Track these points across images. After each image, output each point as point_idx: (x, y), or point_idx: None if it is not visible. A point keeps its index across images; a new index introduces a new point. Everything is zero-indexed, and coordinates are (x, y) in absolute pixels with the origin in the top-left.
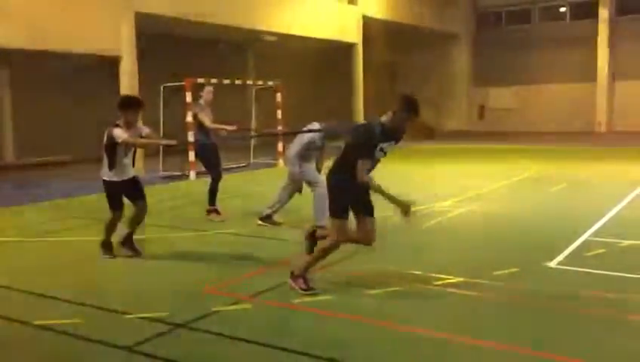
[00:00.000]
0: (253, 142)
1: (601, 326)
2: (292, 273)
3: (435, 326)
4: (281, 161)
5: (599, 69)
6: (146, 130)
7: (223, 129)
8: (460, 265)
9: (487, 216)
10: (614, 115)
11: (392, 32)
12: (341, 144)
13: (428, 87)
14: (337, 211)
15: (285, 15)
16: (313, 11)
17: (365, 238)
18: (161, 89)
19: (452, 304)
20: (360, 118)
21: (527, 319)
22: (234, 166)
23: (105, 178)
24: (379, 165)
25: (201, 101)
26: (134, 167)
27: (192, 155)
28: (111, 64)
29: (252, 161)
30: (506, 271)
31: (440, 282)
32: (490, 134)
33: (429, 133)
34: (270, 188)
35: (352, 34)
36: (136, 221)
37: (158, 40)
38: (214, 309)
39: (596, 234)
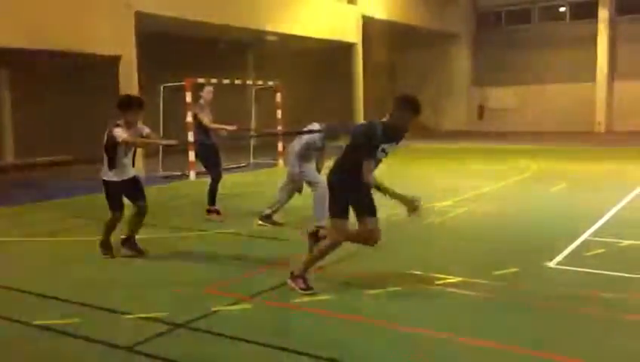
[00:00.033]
0: (253, 142)
1: (601, 326)
2: (292, 273)
3: (435, 326)
4: (281, 161)
5: (599, 68)
6: (146, 130)
7: (223, 129)
8: (460, 265)
9: (486, 216)
10: (614, 115)
11: (392, 32)
12: (341, 144)
13: (427, 87)
14: (337, 211)
15: (285, 15)
16: (313, 11)
17: (370, 238)
18: (161, 89)
19: (452, 304)
20: (360, 117)
21: (527, 319)
22: (234, 166)
23: (105, 178)
24: (380, 165)
25: (201, 101)
26: (134, 167)
27: (191, 155)
28: (111, 64)
29: (252, 161)
30: (506, 271)
31: (440, 282)
32: (489, 134)
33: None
34: (270, 188)
35: (352, 34)
36: (138, 222)
37: (158, 40)
38: (214, 309)
39: (596, 234)
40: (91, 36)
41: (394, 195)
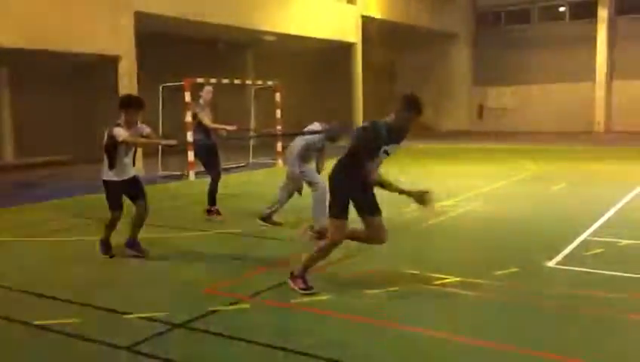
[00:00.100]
0: (252, 141)
1: (601, 326)
2: (292, 273)
3: (435, 326)
4: (280, 161)
5: (598, 68)
6: (146, 130)
7: (223, 129)
8: (460, 264)
9: (486, 215)
10: (613, 114)
11: (391, 32)
12: (342, 145)
13: (427, 87)
14: (337, 212)
15: (284, 15)
16: (312, 11)
17: (377, 237)
18: (161, 89)
19: (452, 304)
20: (359, 117)
21: (526, 319)
22: (233, 166)
23: (105, 178)
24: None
25: (201, 101)
26: (134, 167)
27: (191, 155)
28: (110, 64)
29: (251, 160)
30: (506, 271)
31: (440, 282)
32: (489, 134)
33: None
34: (270, 188)
35: (351, 34)
36: (139, 222)
37: (158, 40)
38: (214, 309)
39: (595, 233)
40: (91, 36)
41: (401, 191)
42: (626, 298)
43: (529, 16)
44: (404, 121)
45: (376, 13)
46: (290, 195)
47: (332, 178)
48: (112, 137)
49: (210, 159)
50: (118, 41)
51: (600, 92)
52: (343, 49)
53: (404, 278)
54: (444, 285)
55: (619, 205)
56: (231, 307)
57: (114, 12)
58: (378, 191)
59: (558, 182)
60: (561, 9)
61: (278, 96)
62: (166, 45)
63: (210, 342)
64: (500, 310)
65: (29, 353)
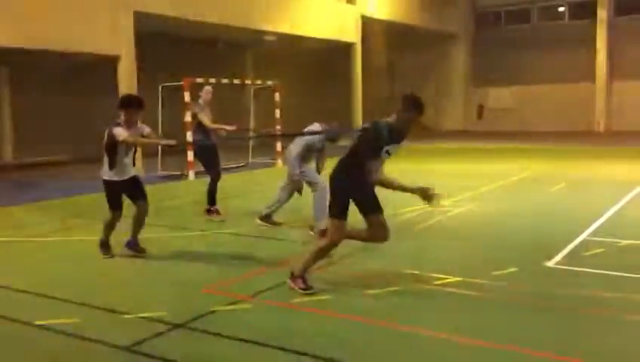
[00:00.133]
0: (251, 141)
1: (601, 326)
2: (291, 273)
3: (435, 326)
4: (279, 161)
5: (598, 68)
6: (146, 130)
7: (222, 129)
8: (460, 264)
9: (485, 215)
10: (612, 114)
11: (391, 32)
12: (343, 145)
13: (427, 87)
14: (336, 212)
15: (284, 15)
16: (312, 11)
17: (379, 235)
18: (160, 89)
19: (452, 304)
20: (359, 117)
21: (526, 319)
22: (233, 166)
23: (105, 177)
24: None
25: (200, 101)
26: (134, 167)
27: (190, 155)
28: (110, 63)
29: (251, 160)
30: (505, 271)
31: (439, 282)
32: (488, 134)
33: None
34: (269, 188)
35: (351, 34)
36: (139, 222)
37: (157, 39)
38: (213, 309)
39: (595, 233)
40: (90, 36)
41: (405, 189)
42: (625, 298)
43: (529, 16)
44: (406, 121)
45: (375, 13)
46: (290, 195)
47: (333, 178)
48: (112, 137)
49: (210, 159)
50: (118, 41)
51: (599, 92)
52: (343, 49)
53: (404, 278)
54: (444, 285)
55: (619, 205)
56: (231, 307)
57: (113, 12)
58: (379, 192)
59: (558, 182)
60: (561, 9)
61: (277, 96)
62: (166, 45)
63: (210, 342)
64: (500, 310)
65: (29, 353)
